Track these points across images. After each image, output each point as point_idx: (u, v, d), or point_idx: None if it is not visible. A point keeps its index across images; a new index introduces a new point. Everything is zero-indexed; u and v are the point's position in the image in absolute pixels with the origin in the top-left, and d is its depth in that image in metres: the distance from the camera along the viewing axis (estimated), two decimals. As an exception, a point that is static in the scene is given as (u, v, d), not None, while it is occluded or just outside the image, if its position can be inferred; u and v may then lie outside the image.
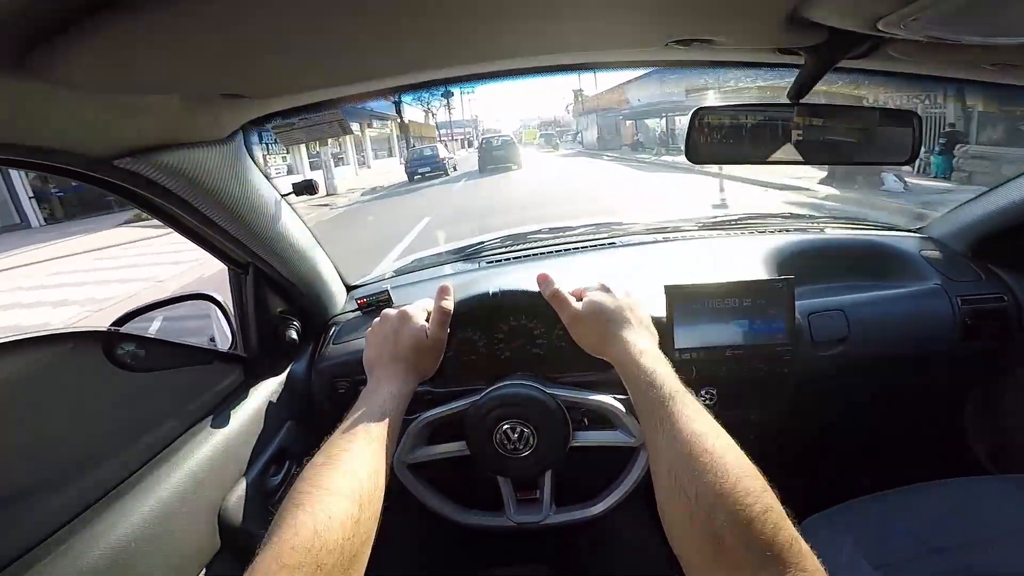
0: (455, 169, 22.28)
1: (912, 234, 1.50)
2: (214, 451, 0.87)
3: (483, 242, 1.68)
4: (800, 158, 0.76)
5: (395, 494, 1.06)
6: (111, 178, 0.69)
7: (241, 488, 0.90)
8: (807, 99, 0.72)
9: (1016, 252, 1.30)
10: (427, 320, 0.90)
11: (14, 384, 0.67)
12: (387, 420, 0.71)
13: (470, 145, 36.62)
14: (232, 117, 0.76)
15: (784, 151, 0.77)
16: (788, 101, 0.72)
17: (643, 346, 0.75)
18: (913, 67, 0.73)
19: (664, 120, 25.03)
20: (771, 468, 1.47)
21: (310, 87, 0.72)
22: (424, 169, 19.57)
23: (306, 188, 0.98)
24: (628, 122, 30.06)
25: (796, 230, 1.56)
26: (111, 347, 0.78)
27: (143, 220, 11.94)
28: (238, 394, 1.01)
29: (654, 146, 25.16)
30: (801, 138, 0.76)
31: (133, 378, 0.82)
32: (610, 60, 0.76)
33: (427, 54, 0.61)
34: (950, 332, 1.24)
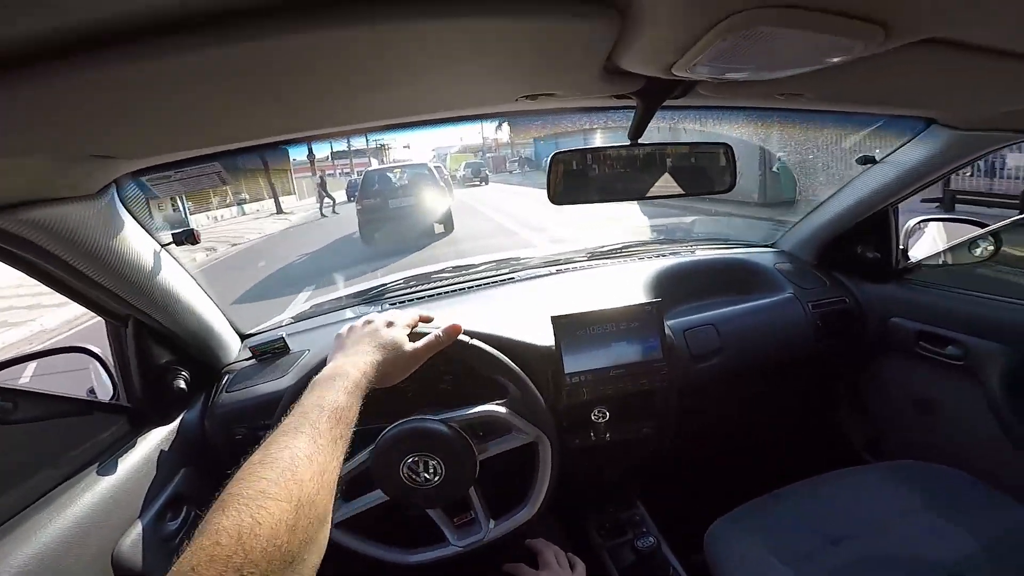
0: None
1: (767, 249, 1.70)
2: (101, 498, 0.85)
3: (385, 284, 1.70)
4: (648, 193, 0.86)
5: (335, 555, 1.05)
6: None
7: (136, 532, 0.88)
8: (644, 139, 0.83)
9: (848, 259, 1.52)
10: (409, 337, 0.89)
11: None
12: (339, 411, 0.64)
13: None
14: (102, 173, 0.76)
15: (634, 187, 0.86)
16: (629, 142, 0.82)
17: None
18: (722, 101, 0.86)
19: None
20: (673, 478, 1.59)
21: (181, 148, 0.73)
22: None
23: (187, 237, 0.97)
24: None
25: (671, 254, 1.72)
26: None
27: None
28: (124, 443, 0.98)
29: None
30: (645, 174, 0.86)
31: (4, 429, 0.79)
32: (474, 113, 0.84)
33: (299, 119, 0.65)
34: (806, 335, 1.42)
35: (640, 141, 0.81)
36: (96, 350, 1.09)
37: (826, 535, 1.06)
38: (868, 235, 1.46)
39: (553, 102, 0.73)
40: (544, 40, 0.48)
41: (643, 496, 1.50)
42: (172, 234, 0.98)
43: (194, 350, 1.18)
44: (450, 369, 1.18)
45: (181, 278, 1.06)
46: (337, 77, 0.50)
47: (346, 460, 1.00)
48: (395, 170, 10.79)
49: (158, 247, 0.97)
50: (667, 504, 1.49)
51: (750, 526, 1.13)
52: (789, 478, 1.23)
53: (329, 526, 0.54)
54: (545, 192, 0.89)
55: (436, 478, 0.99)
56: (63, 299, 0.89)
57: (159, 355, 1.10)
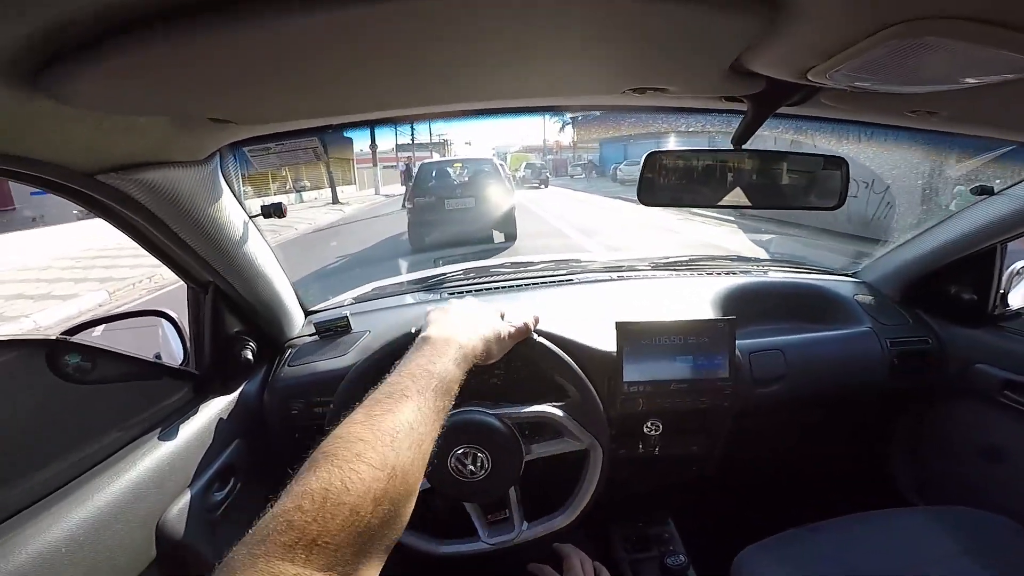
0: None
1: (847, 278, 1.62)
2: (158, 464, 0.87)
3: (445, 273, 1.71)
4: (743, 202, 0.82)
5: None
6: (91, 192, 0.70)
7: (183, 501, 0.90)
8: (750, 145, 0.78)
9: (938, 299, 1.43)
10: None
11: None
12: (448, 382, 0.61)
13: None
14: (213, 139, 0.79)
15: (729, 195, 0.82)
16: (733, 147, 0.78)
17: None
18: (844, 113, 0.81)
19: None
20: (712, 498, 1.55)
21: (294, 117, 0.75)
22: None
23: (275, 211, 1.00)
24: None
25: (741, 272, 1.66)
26: (55, 358, 0.78)
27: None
28: (187, 410, 1.01)
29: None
30: (743, 182, 0.82)
31: (79, 388, 0.82)
32: (573, 104, 0.83)
33: (407, 94, 0.65)
34: (879, 371, 1.34)
35: (745, 147, 0.77)
36: (174, 315, 1.13)
37: (859, 574, 1.01)
38: (965, 274, 1.38)
39: (659, 99, 0.70)
40: (673, 30, 0.46)
41: (674, 513, 1.46)
42: (261, 207, 1.01)
43: (263, 322, 1.21)
44: (500, 363, 1.18)
45: (264, 249, 1.09)
46: (447, 50, 0.49)
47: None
48: (455, 164, 9.26)
49: (247, 218, 1.00)
50: (697, 524, 1.45)
51: (781, 556, 1.08)
52: (827, 513, 1.18)
53: (413, 504, 0.51)
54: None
55: (482, 472, 0.98)
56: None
57: (231, 324, 1.14)
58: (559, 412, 1.03)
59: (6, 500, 0.69)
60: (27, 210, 11.45)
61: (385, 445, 0.49)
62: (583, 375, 1.06)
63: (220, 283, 1.04)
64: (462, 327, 0.74)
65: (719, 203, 0.84)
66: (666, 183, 0.84)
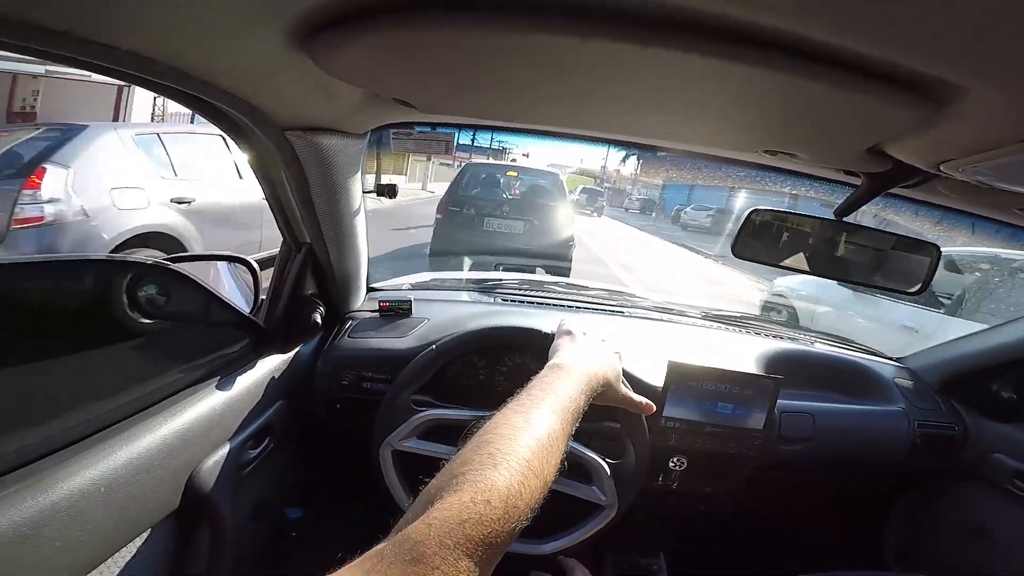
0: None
1: (892, 362, 1.64)
2: (210, 413, 0.87)
3: (502, 280, 1.76)
4: (833, 272, 0.85)
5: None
6: (272, 142, 0.76)
7: (220, 454, 0.90)
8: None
9: (978, 393, 1.46)
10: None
11: (33, 305, 0.68)
12: (579, 412, 0.60)
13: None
14: (380, 117, 0.85)
15: (820, 263, 0.86)
16: (833, 217, 0.81)
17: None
18: (952, 202, 0.84)
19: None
20: (701, 539, 1.57)
21: (457, 113, 0.81)
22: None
23: (388, 191, 1.06)
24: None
25: (788, 338, 1.68)
26: (134, 287, 0.78)
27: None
28: (245, 362, 1.03)
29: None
30: (836, 253, 0.85)
31: (152, 323, 0.82)
32: (703, 152, 0.87)
33: (564, 116, 0.70)
34: (900, 449, 1.38)
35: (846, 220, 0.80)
36: (255, 265, 1.17)
37: None
38: (1012, 375, 1.40)
39: (782, 161, 0.74)
40: (831, 107, 0.49)
41: (667, 547, 1.49)
42: (376, 185, 1.07)
43: (335, 289, 1.26)
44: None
45: (363, 224, 1.15)
46: (619, 90, 0.53)
47: (452, 411, 1.06)
48: (508, 172, 6.92)
49: (362, 192, 1.06)
50: (686, 563, 1.47)
51: None
52: (810, 567, 1.20)
53: None
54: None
55: None
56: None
57: (308, 286, 1.19)
58: (606, 468, 1.05)
59: (67, 429, 0.69)
60: None
61: (544, 459, 0.49)
62: (649, 447, 1.09)
63: (316, 245, 1.09)
64: (591, 362, 0.71)
65: (809, 270, 0.87)
66: (762, 241, 0.87)
